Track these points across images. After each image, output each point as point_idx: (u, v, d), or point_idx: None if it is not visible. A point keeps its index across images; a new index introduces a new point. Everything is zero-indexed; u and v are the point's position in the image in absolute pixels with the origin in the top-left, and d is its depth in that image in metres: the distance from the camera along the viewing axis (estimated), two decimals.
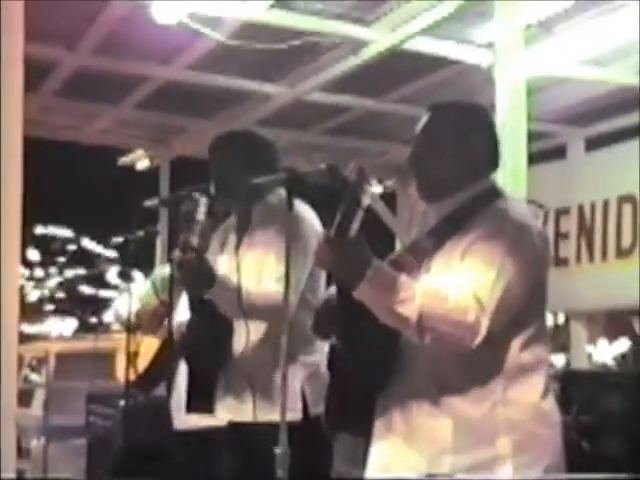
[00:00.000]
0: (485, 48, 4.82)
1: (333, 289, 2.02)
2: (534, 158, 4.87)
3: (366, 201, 1.76)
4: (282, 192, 2.32)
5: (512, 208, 1.95)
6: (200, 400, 2.56)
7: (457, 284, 1.80)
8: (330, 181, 1.85)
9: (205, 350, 2.56)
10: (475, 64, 4.93)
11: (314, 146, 7.27)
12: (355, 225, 1.75)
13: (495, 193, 1.99)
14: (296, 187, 1.97)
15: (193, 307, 2.56)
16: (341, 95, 5.90)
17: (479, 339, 1.77)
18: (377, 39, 4.72)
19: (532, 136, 4.34)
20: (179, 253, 2.38)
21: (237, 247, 2.63)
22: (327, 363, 2.11)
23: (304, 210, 2.56)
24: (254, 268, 2.54)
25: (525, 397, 1.88)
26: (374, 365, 1.93)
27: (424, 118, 2.04)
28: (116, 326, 2.92)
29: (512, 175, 4.06)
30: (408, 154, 2.04)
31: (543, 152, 6.72)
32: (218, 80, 5.56)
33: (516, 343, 1.88)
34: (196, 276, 2.40)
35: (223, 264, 2.61)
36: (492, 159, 2.03)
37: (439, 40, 4.81)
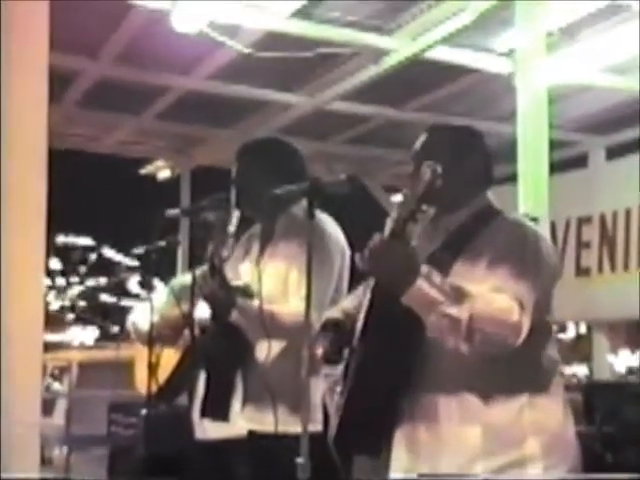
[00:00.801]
0: (506, 56, 4.80)
1: (333, 312, 2.09)
2: (555, 167, 4.83)
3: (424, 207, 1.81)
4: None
5: (521, 220, 2.07)
6: (216, 406, 2.55)
7: (495, 289, 1.86)
8: (350, 191, 1.85)
9: (224, 358, 2.55)
10: (496, 72, 4.91)
11: (334, 155, 7.28)
12: (410, 229, 1.81)
13: (494, 209, 2.09)
14: (317, 197, 1.96)
15: (214, 316, 2.55)
16: (361, 104, 5.90)
17: (522, 338, 1.83)
18: (398, 48, 4.72)
19: (553, 145, 4.31)
20: (205, 270, 2.39)
21: (259, 258, 2.62)
22: (342, 379, 2.10)
23: (327, 223, 2.54)
24: (276, 282, 2.52)
25: (549, 399, 1.94)
26: (396, 377, 1.93)
27: (421, 138, 2.15)
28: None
29: (533, 184, 4.04)
30: (409, 173, 2.10)
31: (564, 161, 6.68)
32: (238, 90, 5.58)
33: (535, 343, 1.92)
34: (217, 303, 2.42)
35: (245, 273, 2.60)
36: (487, 178, 2.13)
37: (460, 49, 4.79)
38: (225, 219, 2.43)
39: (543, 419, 1.92)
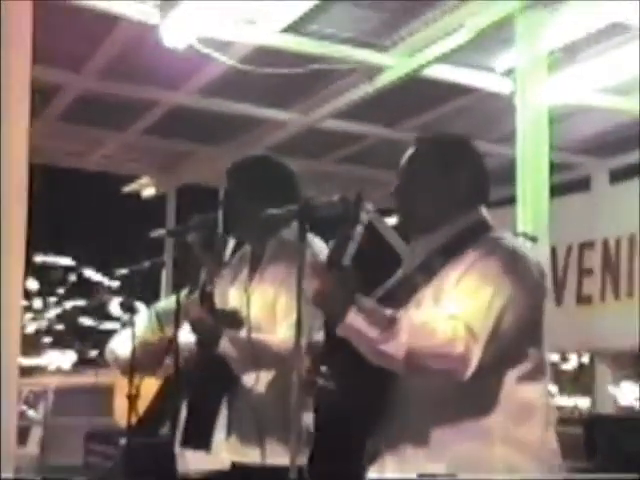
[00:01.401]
0: (506, 75, 4.85)
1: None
2: (556, 190, 4.87)
3: (359, 230, 1.79)
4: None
5: (505, 238, 1.99)
6: (197, 435, 2.54)
7: (448, 314, 1.81)
8: (342, 213, 1.86)
9: (209, 386, 2.55)
10: (496, 92, 4.96)
11: (325, 175, 7.31)
12: (348, 255, 1.77)
13: (485, 226, 2.03)
14: (309, 219, 1.97)
15: (201, 344, 2.55)
16: (355, 123, 5.94)
17: (471, 370, 1.78)
18: (394, 65, 4.76)
19: (554, 167, 4.34)
20: (192, 294, 2.39)
21: (248, 282, 2.62)
22: (314, 410, 2.11)
23: (320, 248, 2.54)
24: (264, 308, 2.52)
25: (525, 437, 1.87)
26: (365, 408, 1.92)
27: (408, 152, 2.11)
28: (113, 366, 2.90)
29: (533, 207, 4.07)
30: (392, 188, 2.09)
31: (566, 184, 6.71)
32: (228, 106, 5.61)
33: (512, 376, 1.88)
34: (205, 331, 2.43)
35: (234, 297, 2.61)
36: (479, 191, 2.07)
37: (458, 67, 4.84)
38: (212, 241, 2.44)
39: (516, 457, 1.84)
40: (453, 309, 1.82)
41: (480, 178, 2.08)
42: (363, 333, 1.76)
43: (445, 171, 2.04)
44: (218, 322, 2.43)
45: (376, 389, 1.91)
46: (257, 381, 2.48)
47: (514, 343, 1.87)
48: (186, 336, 2.53)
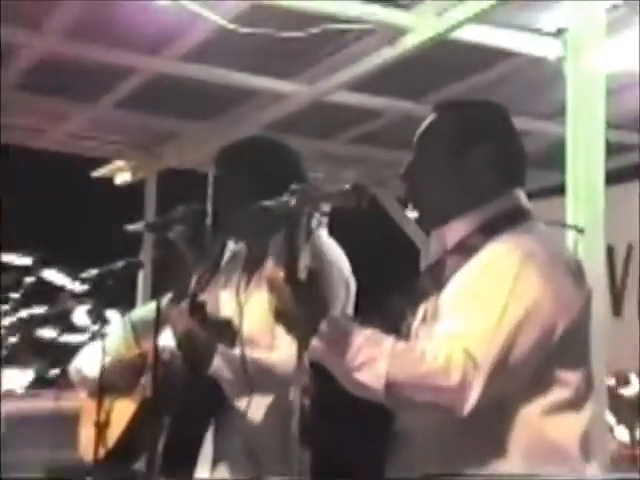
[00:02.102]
0: (554, 37, 4.85)
1: None
2: (614, 176, 4.87)
3: (314, 230, 1.83)
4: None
5: (537, 231, 1.92)
6: (177, 465, 2.57)
7: (445, 333, 1.75)
8: (356, 204, 1.87)
9: (195, 409, 2.56)
10: (541, 57, 4.96)
11: (337, 158, 7.32)
12: (303, 263, 1.75)
13: (515, 215, 1.95)
14: (316, 212, 1.97)
15: (189, 363, 2.56)
16: (372, 96, 5.96)
17: (470, 405, 1.71)
18: (418, 26, 4.76)
19: (612, 148, 4.34)
20: (183, 308, 2.41)
21: (245, 287, 2.63)
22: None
23: (329, 245, 2.55)
24: (262, 319, 2.53)
25: None
26: (359, 442, 1.95)
27: (424, 123, 2.06)
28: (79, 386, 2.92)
29: (586, 196, 4.07)
30: (401, 170, 2.05)
31: (625, 168, 6.71)
32: (219, 75, 5.63)
33: (535, 408, 1.81)
34: (195, 347, 2.43)
35: (226, 305, 2.63)
36: (511, 173, 2.01)
37: (495, 28, 4.84)
38: (200, 237, 2.46)
39: None
40: (451, 326, 1.76)
41: (512, 155, 2.02)
42: (332, 359, 1.74)
43: (467, 144, 1.98)
44: (211, 336, 2.43)
45: (365, 428, 1.91)
46: (250, 404, 2.50)
47: (539, 366, 1.80)
48: (167, 348, 2.55)
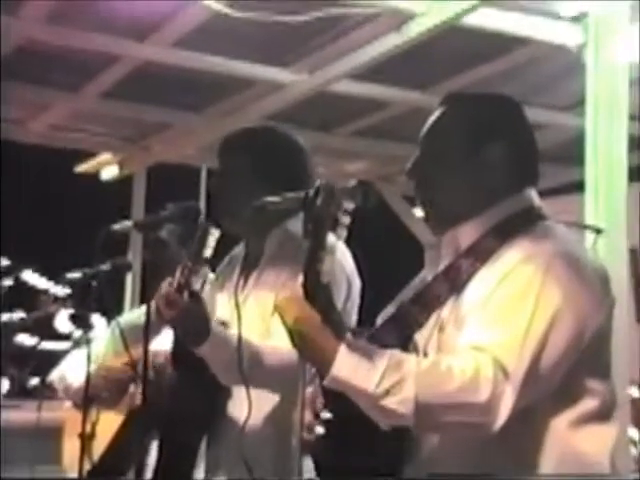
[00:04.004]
0: (575, 22, 4.84)
1: None
2: (637, 172, 4.87)
3: (343, 233, 1.80)
4: None
5: (556, 235, 1.94)
6: (169, 477, 2.57)
7: (470, 343, 1.77)
8: (361, 202, 1.87)
9: (186, 418, 2.57)
10: (560, 44, 4.96)
11: (339, 152, 7.32)
12: (321, 268, 1.77)
13: (530, 216, 1.98)
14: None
15: (176, 359, 2.57)
16: (377, 85, 5.96)
17: (502, 421, 1.73)
18: (427, 10, 4.76)
19: (635, 142, 4.34)
20: (168, 289, 2.38)
21: (242, 286, 2.64)
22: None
23: (331, 241, 2.56)
24: (260, 320, 2.54)
25: None
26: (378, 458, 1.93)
27: (432, 117, 2.07)
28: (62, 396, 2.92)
29: (607, 194, 4.07)
30: (406, 167, 2.06)
31: None
32: (212, 62, 5.63)
33: (562, 420, 1.84)
34: (189, 326, 2.40)
35: (222, 307, 2.63)
36: (524, 171, 2.03)
37: (510, 12, 4.84)
38: (193, 236, 2.46)
39: None
40: (478, 336, 1.77)
41: (526, 152, 2.04)
42: (355, 389, 1.73)
43: (479, 141, 2.00)
44: (206, 312, 2.41)
45: (381, 446, 1.89)
46: (249, 413, 2.50)
47: (566, 376, 1.82)
48: (161, 352, 2.56)
